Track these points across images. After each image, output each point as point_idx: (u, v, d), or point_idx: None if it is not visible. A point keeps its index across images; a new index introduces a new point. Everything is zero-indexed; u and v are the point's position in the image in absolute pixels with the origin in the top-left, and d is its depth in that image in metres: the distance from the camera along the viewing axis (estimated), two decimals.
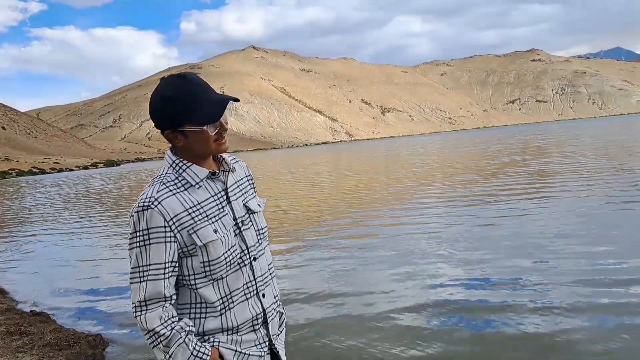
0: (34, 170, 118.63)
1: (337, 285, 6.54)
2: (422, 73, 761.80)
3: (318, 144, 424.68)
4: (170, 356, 1.78)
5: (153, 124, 1.77)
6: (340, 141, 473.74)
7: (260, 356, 1.94)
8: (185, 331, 1.80)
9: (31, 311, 6.47)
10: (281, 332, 2.08)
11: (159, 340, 1.78)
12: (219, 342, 1.87)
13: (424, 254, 7.70)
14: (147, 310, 1.78)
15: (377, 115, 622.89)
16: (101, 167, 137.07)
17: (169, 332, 1.77)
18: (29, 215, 20.69)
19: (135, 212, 1.77)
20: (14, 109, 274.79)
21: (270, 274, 2.03)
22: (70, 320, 6.21)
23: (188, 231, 1.79)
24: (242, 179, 2.03)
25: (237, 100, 1.93)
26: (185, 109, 1.76)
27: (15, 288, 8.07)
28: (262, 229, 2.01)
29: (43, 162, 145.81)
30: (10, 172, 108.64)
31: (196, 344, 1.80)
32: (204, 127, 1.80)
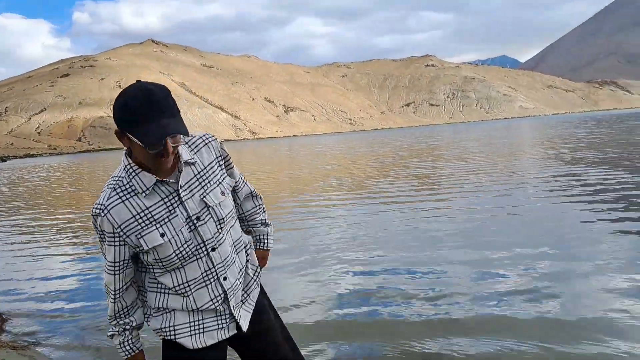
0: None
1: None
2: (324, 74, 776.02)
3: (220, 141, 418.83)
4: (111, 337, 2.08)
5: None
6: (244, 139, 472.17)
7: (220, 328, 2.06)
8: (125, 329, 2.04)
9: None
10: (248, 295, 2.18)
11: (110, 325, 2.07)
12: (175, 333, 2.02)
13: (321, 250, 7.89)
14: (107, 296, 2.02)
15: (280, 114, 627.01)
16: None
17: (115, 329, 2.04)
18: None
19: (92, 215, 1.92)
20: None
21: (235, 251, 2.11)
22: None
23: (136, 235, 1.89)
24: (207, 166, 2.04)
25: (186, 134, 1.84)
26: (132, 121, 1.76)
27: None
28: (223, 218, 2.02)
29: None
30: None
31: (123, 341, 2.05)
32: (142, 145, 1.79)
